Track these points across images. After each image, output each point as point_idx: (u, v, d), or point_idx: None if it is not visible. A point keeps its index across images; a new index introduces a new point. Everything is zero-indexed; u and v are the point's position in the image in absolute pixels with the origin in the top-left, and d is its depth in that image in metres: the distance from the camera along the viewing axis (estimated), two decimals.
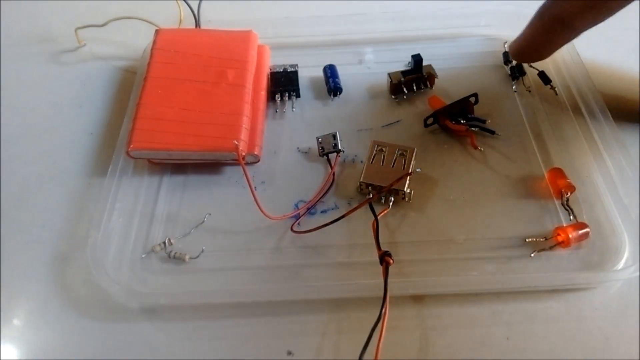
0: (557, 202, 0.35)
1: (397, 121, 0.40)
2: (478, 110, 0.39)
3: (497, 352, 0.29)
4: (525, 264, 0.32)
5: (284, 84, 0.42)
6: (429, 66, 0.41)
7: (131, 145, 0.36)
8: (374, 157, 0.36)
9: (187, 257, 0.33)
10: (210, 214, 0.35)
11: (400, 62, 0.43)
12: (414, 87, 0.41)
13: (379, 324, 0.27)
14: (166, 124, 0.37)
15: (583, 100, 0.39)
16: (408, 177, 0.35)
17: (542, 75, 0.41)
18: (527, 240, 0.33)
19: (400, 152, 0.36)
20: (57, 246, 0.34)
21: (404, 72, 0.41)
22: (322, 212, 0.35)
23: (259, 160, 0.38)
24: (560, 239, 0.32)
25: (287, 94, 0.42)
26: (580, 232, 0.32)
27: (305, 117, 0.41)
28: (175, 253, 0.33)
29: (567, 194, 0.34)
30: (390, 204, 0.35)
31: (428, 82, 0.42)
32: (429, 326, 0.30)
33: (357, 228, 0.34)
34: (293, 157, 0.38)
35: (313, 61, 0.44)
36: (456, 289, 0.32)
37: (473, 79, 0.42)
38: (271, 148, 0.39)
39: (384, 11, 0.47)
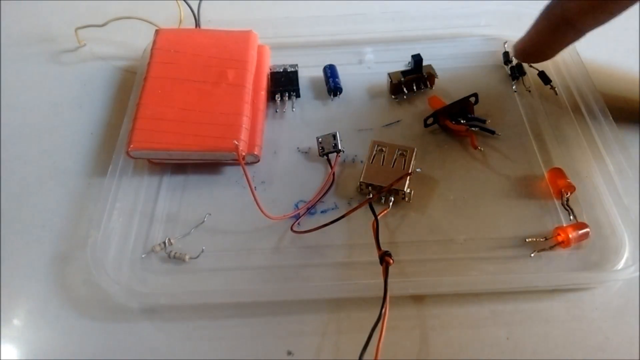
0: (557, 202, 0.35)
1: (397, 121, 0.40)
2: (478, 110, 0.39)
3: (497, 352, 0.29)
4: (525, 264, 0.32)
5: (284, 84, 0.42)
6: (429, 66, 0.41)
7: (131, 145, 0.36)
8: (374, 157, 0.36)
9: (187, 257, 0.33)
10: (210, 214, 0.35)
11: (400, 62, 0.43)
12: (414, 87, 0.41)
13: (379, 324, 0.27)
14: (166, 124, 0.37)
15: (583, 101, 0.39)
16: (408, 177, 0.35)
17: (542, 75, 0.41)
18: (527, 240, 0.33)
19: (400, 152, 0.36)
20: (57, 246, 0.34)
21: (404, 72, 0.41)
22: (322, 212, 0.35)
23: (259, 160, 0.38)
24: (560, 239, 0.32)
25: (287, 94, 0.41)
26: (580, 232, 0.32)
27: (305, 117, 0.41)
28: (175, 253, 0.33)
29: (567, 194, 0.34)
30: (390, 204, 0.35)
31: (428, 82, 0.42)
32: (429, 326, 0.30)
33: (357, 228, 0.34)
34: (293, 157, 0.38)
35: (313, 61, 0.44)
36: (456, 289, 0.32)
37: (473, 79, 0.42)
38: (271, 148, 0.39)
39: (384, 11, 0.47)
